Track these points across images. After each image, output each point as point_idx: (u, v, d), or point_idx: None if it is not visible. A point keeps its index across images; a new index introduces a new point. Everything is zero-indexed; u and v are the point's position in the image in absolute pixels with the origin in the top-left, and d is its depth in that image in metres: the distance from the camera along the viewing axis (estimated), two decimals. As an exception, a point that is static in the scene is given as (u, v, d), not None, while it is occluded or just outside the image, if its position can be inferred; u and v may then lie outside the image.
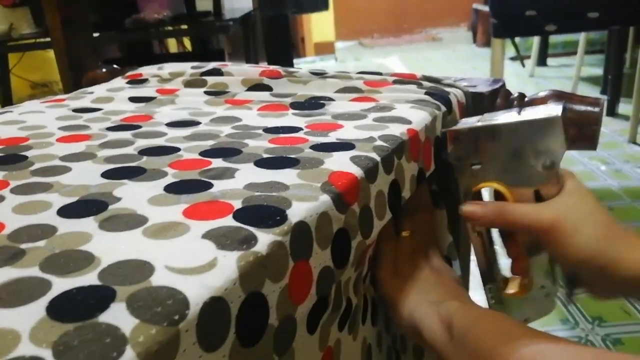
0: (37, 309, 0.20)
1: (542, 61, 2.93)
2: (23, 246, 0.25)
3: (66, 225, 0.26)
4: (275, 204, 0.27)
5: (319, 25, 3.77)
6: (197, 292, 0.20)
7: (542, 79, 2.70)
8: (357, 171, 0.32)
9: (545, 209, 0.37)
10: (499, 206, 0.39)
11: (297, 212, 0.27)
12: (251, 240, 0.24)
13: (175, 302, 0.20)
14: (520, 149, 0.39)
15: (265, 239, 0.24)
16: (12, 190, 0.31)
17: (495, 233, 0.44)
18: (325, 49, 3.92)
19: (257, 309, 0.24)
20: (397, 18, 4.49)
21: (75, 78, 0.81)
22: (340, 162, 0.33)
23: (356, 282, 0.35)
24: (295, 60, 2.43)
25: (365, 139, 0.36)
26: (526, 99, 0.50)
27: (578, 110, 0.46)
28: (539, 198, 0.39)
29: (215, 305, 0.21)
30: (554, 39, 3.03)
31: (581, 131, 0.46)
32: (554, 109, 0.38)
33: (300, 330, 0.27)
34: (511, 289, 0.43)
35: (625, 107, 1.96)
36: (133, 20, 1.46)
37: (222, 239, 0.24)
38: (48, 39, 1.54)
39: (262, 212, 0.26)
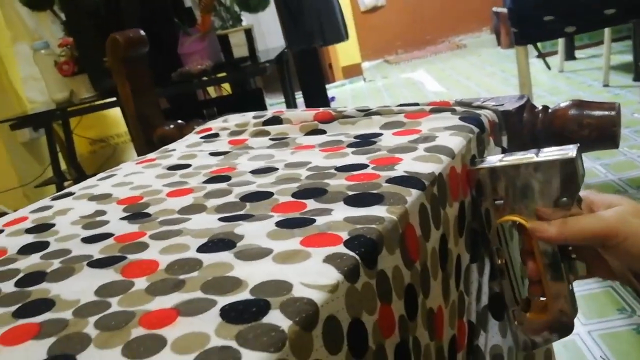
0: (213, 317, 0.28)
1: (570, 55, 2.93)
2: (181, 277, 0.34)
3: (208, 259, 0.35)
4: (374, 237, 0.33)
5: (344, 50, 3.90)
6: (326, 306, 0.28)
7: (572, 73, 2.70)
8: (416, 221, 0.38)
9: (604, 214, 0.39)
10: (562, 221, 0.40)
11: (383, 257, 0.34)
12: (357, 274, 0.31)
13: (312, 312, 0.28)
14: (539, 186, 0.42)
15: (363, 274, 0.31)
16: (151, 237, 0.41)
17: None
18: (352, 71, 4.03)
19: (360, 332, 0.31)
20: (419, 31, 4.56)
21: (146, 135, 0.92)
22: (414, 196, 0.39)
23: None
24: (326, 86, 2.54)
25: (423, 174, 0.42)
26: (549, 110, 0.57)
27: (597, 116, 0.53)
28: None
29: (334, 323, 0.28)
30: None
31: (601, 133, 0.53)
32: (569, 150, 0.41)
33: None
34: (533, 312, 0.45)
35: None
36: (179, 73, 1.60)
37: (340, 263, 0.31)
38: (104, 101, 1.71)
39: (366, 244, 0.33)
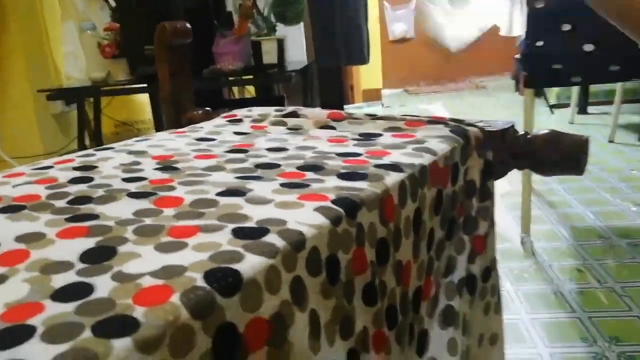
0: (226, 234, 0.37)
1: (583, 109, 3.03)
2: (201, 210, 0.43)
3: (223, 201, 0.44)
4: (356, 200, 0.43)
5: (367, 74, 4.02)
6: (309, 240, 0.37)
7: (581, 126, 2.80)
8: (395, 191, 0.48)
9: None
10: None
11: (362, 212, 0.43)
12: (340, 220, 0.40)
13: (301, 239, 0.37)
14: None
15: (344, 221, 0.40)
16: (179, 183, 0.50)
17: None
18: (372, 95, 4.15)
19: (335, 264, 0.40)
20: (442, 67, 4.69)
21: (177, 117, 1.02)
22: (394, 178, 0.49)
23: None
24: (345, 107, 2.65)
25: (407, 164, 0.53)
26: (528, 136, 0.66)
27: (566, 144, 0.62)
28: None
29: (316, 251, 0.38)
30: (595, 88, 3.14)
31: (568, 159, 0.62)
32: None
33: (357, 300, 0.42)
34: None
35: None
36: (211, 70, 1.71)
37: (327, 212, 0.41)
38: (136, 85, 1.82)
39: (348, 204, 0.42)
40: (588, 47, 1.32)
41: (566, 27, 1.34)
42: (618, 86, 2.46)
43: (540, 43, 1.37)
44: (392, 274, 0.47)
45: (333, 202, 0.42)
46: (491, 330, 0.66)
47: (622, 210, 1.67)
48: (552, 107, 2.90)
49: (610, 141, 2.47)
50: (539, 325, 1.15)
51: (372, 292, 0.44)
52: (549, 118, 2.91)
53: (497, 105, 3.67)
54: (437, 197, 0.54)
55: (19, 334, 0.26)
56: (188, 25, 0.98)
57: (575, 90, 2.84)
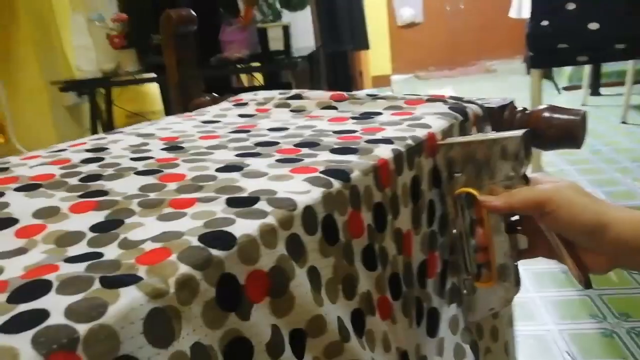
0: (221, 203, 0.39)
1: (595, 91, 3.00)
2: (200, 183, 0.45)
3: (221, 176, 0.46)
4: (344, 169, 0.46)
5: (376, 60, 4.01)
6: (300, 203, 0.39)
7: (594, 108, 2.77)
8: (390, 157, 0.50)
9: (542, 186, 0.45)
10: (507, 194, 0.47)
11: (356, 175, 0.45)
12: (330, 185, 0.43)
13: (291, 204, 0.39)
14: (490, 162, 0.48)
15: (337, 185, 0.43)
16: (183, 161, 0.52)
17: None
18: (381, 82, 4.13)
19: (332, 224, 0.42)
20: (452, 51, 4.65)
21: (184, 103, 1.05)
22: (383, 150, 0.51)
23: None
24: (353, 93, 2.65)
25: (400, 137, 0.55)
26: (526, 112, 0.67)
27: (563, 119, 0.63)
28: None
29: (310, 211, 0.40)
30: (607, 69, 3.10)
31: (566, 133, 0.63)
32: (518, 132, 0.48)
33: (358, 262, 0.44)
34: (482, 280, 0.51)
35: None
36: (218, 58, 1.73)
37: (315, 181, 0.43)
38: (146, 75, 1.85)
39: (337, 173, 0.45)
40: (593, 26, 1.31)
41: (571, 6, 1.33)
42: (630, 67, 2.43)
43: (545, 23, 1.36)
44: (392, 241, 0.49)
45: (322, 172, 0.44)
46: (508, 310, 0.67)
47: (632, 190, 1.67)
48: (560, 89, 2.87)
49: (623, 122, 2.44)
50: (549, 303, 1.17)
51: (371, 256, 0.46)
52: (558, 100, 2.88)
53: (508, 89, 3.64)
54: (434, 168, 0.56)
55: (37, 288, 0.28)
56: (193, 12, 1.00)
57: (586, 72, 2.81)
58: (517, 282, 0.51)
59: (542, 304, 1.17)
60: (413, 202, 0.52)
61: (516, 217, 0.51)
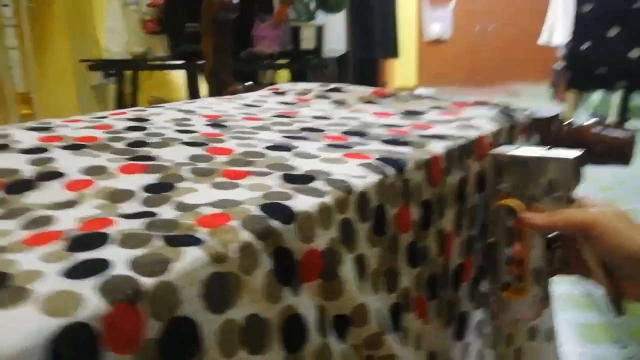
0: (276, 178, 0.38)
1: (621, 123, 2.97)
2: (249, 159, 0.44)
3: (270, 155, 0.45)
4: (400, 159, 0.44)
5: (401, 71, 4.00)
6: (356, 187, 0.38)
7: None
8: (443, 154, 0.49)
9: (587, 209, 0.44)
10: (551, 213, 0.45)
11: (410, 168, 0.44)
12: (385, 174, 0.41)
13: (348, 187, 0.38)
14: (539, 179, 0.47)
15: (392, 175, 0.42)
16: (229, 137, 0.51)
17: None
18: (404, 93, 4.11)
19: (382, 214, 0.41)
20: (477, 71, 4.63)
21: (218, 90, 1.04)
22: (436, 146, 0.50)
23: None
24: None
25: (452, 136, 0.53)
26: (574, 126, 0.65)
27: (613, 136, 0.62)
28: None
29: (365, 197, 0.39)
30: (636, 103, 3.06)
31: (615, 151, 0.61)
32: (573, 153, 0.46)
33: (401, 257, 0.44)
34: (511, 292, 0.50)
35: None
36: (249, 52, 1.73)
37: (371, 168, 0.42)
38: (175, 62, 1.85)
39: (393, 162, 0.44)
40: (634, 53, 1.29)
41: (613, 32, 1.32)
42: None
43: (585, 46, 1.35)
44: (434, 241, 0.47)
45: (378, 159, 0.43)
46: (545, 325, 0.65)
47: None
48: (589, 117, 2.86)
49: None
50: (569, 326, 1.14)
51: (414, 253, 0.45)
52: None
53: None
54: (481, 172, 0.54)
55: (97, 239, 0.27)
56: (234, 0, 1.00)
57: (614, 103, 2.79)
58: (547, 298, 0.49)
59: (561, 327, 1.15)
60: (458, 204, 0.51)
61: (555, 233, 0.49)
